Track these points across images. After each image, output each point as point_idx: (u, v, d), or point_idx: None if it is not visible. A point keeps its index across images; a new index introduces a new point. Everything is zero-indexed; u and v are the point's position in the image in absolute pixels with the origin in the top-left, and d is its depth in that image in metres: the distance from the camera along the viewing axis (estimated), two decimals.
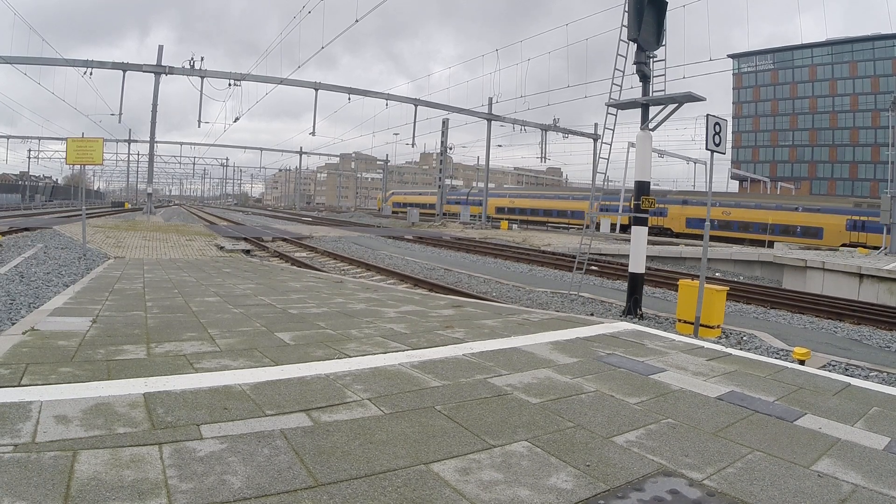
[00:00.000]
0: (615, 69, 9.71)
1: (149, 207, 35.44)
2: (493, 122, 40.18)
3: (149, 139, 33.84)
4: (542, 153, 43.60)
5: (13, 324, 5.18)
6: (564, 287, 11.86)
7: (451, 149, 48.90)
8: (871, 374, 6.13)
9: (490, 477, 2.09)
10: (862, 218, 31.31)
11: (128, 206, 60.19)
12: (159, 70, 29.75)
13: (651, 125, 9.39)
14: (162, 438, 2.30)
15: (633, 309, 9.18)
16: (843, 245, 30.37)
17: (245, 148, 69.20)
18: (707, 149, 7.66)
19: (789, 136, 70.91)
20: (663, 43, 9.40)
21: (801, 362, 5.26)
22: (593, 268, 15.96)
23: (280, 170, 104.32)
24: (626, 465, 2.24)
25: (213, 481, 1.96)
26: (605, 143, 10.26)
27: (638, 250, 9.38)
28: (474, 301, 7.86)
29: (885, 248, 23.30)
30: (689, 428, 2.68)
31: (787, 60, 69.40)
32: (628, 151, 34.17)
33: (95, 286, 7.32)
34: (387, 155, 74.32)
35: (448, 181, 60.77)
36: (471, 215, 46.87)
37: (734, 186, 66.18)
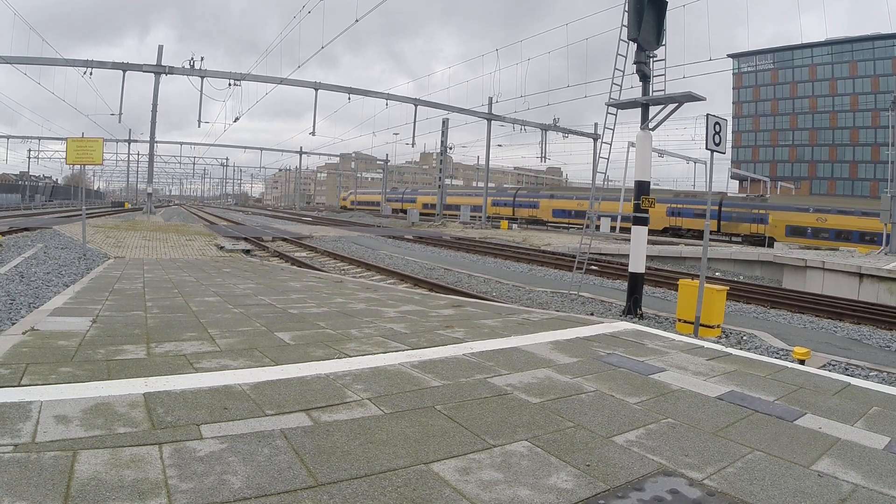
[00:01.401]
0: (615, 69, 9.71)
1: (149, 207, 35.45)
2: (493, 121, 40.18)
3: (149, 139, 33.84)
4: (542, 153, 43.63)
5: (13, 324, 5.18)
6: (564, 287, 11.86)
7: (451, 148, 49.34)
8: (871, 373, 6.13)
9: (490, 477, 2.09)
10: (679, 206, 38.08)
11: (128, 205, 60.21)
12: (159, 70, 29.75)
13: (651, 125, 9.39)
14: (162, 438, 2.30)
15: (633, 309, 9.18)
16: (665, 228, 37.41)
17: (245, 148, 69.21)
18: (707, 148, 7.67)
19: (789, 135, 70.90)
20: (663, 43, 9.40)
21: (801, 362, 5.26)
22: (593, 267, 15.96)
23: (280, 170, 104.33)
24: (627, 465, 2.24)
25: (213, 481, 1.95)
26: (605, 142, 10.26)
27: (638, 250, 9.38)
28: (474, 301, 7.86)
29: (886, 247, 23.31)
30: (689, 428, 2.68)
31: (787, 60, 69.37)
32: (628, 151, 34.20)
33: (95, 286, 7.32)
34: (387, 155, 74.42)
35: (448, 181, 61.71)
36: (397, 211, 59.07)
37: (734, 186, 66.21)
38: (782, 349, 6.92)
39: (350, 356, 3.86)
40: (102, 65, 28.46)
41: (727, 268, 21.41)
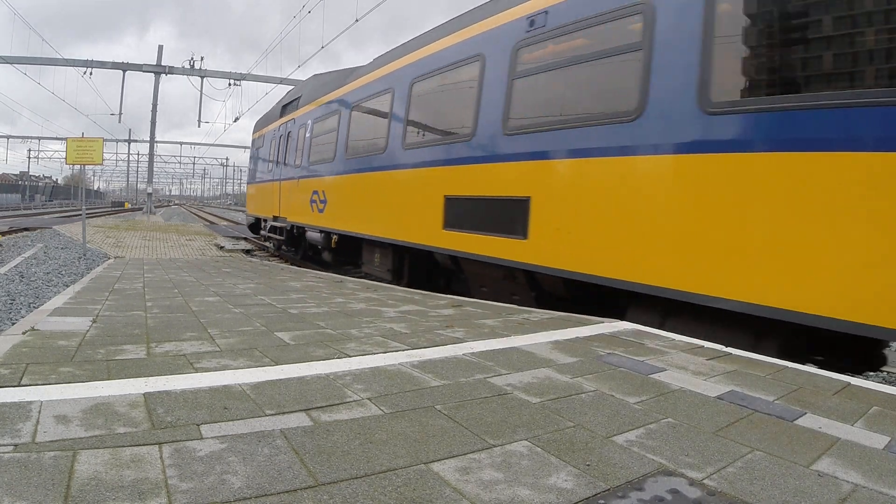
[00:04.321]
0: None
1: (149, 207, 35.48)
2: None
3: (149, 139, 33.85)
4: None
5: (13, 324, 5.19)
6: None
7: None
8: (871, 373, 6.12)
9: (490, 476, 2.09)
10: None
11: (128, 205, 60.29)
12: (159, 70, 29.76)
13: None
14: (162, 438, 2.30)
15: None
16: None
17: (245, 147, 69.32)
18: None
19: None
20: None
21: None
22: None
23: None
24: (627, 465, 2.24)
25: (213, 481, 1.95)
26: None
27: None
28: (474, 301, 7.85)
29: None
30: (689, 427, 2.68)
31: None
32: None
33: (95, 286, 7.32)
34: None
35: None
36: None
37: None
38: None
39: (350, 356, 3.86)
40: (102, 65, 28.46)
41: None
